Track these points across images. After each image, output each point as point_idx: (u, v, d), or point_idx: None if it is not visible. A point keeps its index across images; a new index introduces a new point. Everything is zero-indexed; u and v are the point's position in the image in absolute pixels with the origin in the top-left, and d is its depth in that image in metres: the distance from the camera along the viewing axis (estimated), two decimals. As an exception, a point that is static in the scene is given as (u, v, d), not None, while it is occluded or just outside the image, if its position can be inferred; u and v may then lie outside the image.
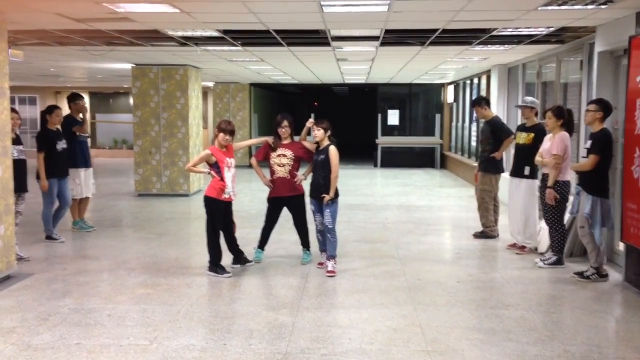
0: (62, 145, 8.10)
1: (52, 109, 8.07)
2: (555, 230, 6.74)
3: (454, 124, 18.43)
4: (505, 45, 9.20)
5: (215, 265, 6.39)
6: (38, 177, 7.90)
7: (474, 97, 12.61)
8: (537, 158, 6.83)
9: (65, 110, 8.57)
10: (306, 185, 6.79)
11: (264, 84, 20.35)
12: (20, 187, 6.77)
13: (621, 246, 6.37)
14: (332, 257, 6.53)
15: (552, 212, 6.70)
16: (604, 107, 6.12)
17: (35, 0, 5.74)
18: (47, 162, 7.84)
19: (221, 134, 6.30)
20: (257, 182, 13.68)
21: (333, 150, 6.48)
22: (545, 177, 6.78)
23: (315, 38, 8.46)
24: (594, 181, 6.09)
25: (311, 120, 6.73)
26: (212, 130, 21.46)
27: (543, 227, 7.27)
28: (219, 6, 6.23)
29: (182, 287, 5.96)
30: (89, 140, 8.89)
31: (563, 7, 6.08)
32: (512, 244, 7.69)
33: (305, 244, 6.99)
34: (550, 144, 6.68)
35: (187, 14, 6.47)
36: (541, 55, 9.90)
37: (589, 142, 6.20)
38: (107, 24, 7.15)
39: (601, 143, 6.05)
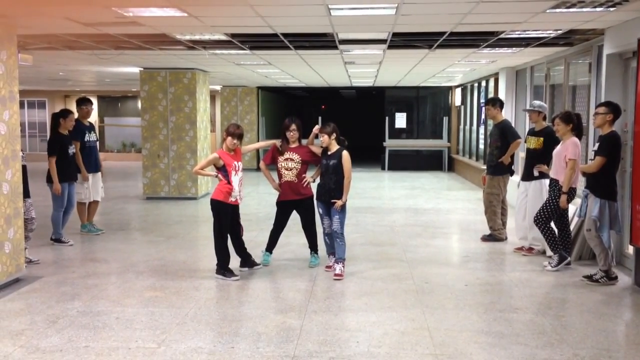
0: (72, 149, 8.16)
1: (66, 114, 8.12)
2: (542, 231, 6.72)
3: (461, 126, 18.39)
4: (513, 48, 9.18)
5: (223, 268, 6.40)
6: (48, 180, 7.94)
7: (486, 99, 12.56)
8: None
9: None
10: (314, 188, 6.80)
11: (272, 88, 20.38)
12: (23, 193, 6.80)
13: (630, 249, 6.33)
14: (341, 260, 6.52)
15: (544, 212, 6.67)
16: (613, 110, 6.10)
17: (44, 4, 5.78)
18: (59, 166, 7.89)
19: (229, 138, 6.32)
20: (264, 186, 13.71)
21: (346, 156, 6.48)
22: (553, 182, 6.75)
23: (323, 41, 8.47)
24: (602, 184, 6.06)
25: (317, 126, 6.74)
26: (219, 133, 21.52)
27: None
28: (227, 10, 6.25)
29: (190, 290, 5.97)
30: (97, 144, 8.94)
31: (571, 10, 6.06)
32: (519, 247, 7.67)
33: (313, 247, 6.99)
34: (562, 149, 6.64)
35: (195, 17, 6.49)
36: (549, 57, 9.87)
37: (597, 145, 6.18)
38: (115, 28, 7.19)
39: (609, 145, 6.03)
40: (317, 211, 6.77)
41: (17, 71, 6.32)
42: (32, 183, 7.08)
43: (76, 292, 5.94)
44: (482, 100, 14.77)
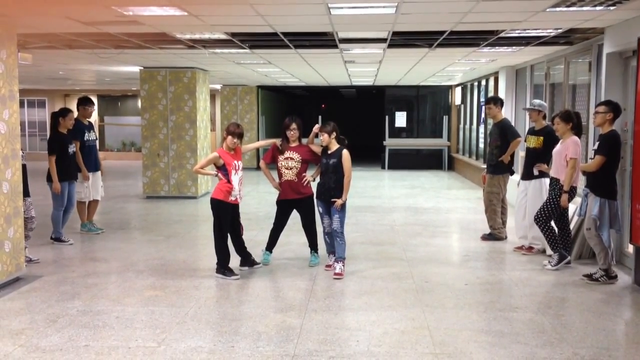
0: (72, 148, 8.16)
1: (65, 112, 8.11)
2: (542, 229, 6.73)
3: (461, 126, 18.40)
4: (513, 47, 9.18)
5: (223, 268, 6.40)
6: (48, 179, 7.94)
7: (486, 97, 12.59)
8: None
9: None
10: (313, 187, 6.80)
11: (272, 87, 20.37)
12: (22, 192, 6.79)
13: (630, 248, 6.33)
14: (341, 259, 6.52)
15: (544, 211, 6.67)
16: (613, 108, 6.09)
17: (45, 4, 5.78)
18: (59, 165, 7.89)
19: (229, 137, 6.32)
20: (264, 185, 13.71)
21: (346, 155, 6.48)
22: (553, 181, 6.75)
23: (322, 40, 8.47)
24: (602, 183, 6.06)
25: (318, 125, 6.75)
26: (219, 132, 21.51)
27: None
28: (227, 9, 6.25)
29: (190, 290, 5.97)
30: (97, 142, 8.93)
31: (571, 9, 6.06)
32: (519, 246, 7.67)
33: (313, 246, 6.99)
34: (562, 148, 6.64)
35: (195, 16, 6.49)
36: (549, 56, 9.87)
37: (597, 144, 6.18)
38: (115, 27, 7.19)
39: (609, 144, 6.03)
40: (317, 210, 6.77)
41: (17, 70, 6.32)
42: (32, 182, 7.08)
43: (76, 291, 5.94)
44: (482, 99, 14.78)
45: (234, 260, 6.61)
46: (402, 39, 8.38)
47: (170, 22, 6.94)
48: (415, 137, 20.78)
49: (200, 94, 12.95)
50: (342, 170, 6.46)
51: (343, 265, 6.51)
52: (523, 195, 7.59)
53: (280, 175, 6.77)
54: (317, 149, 6.73)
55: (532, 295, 5.83)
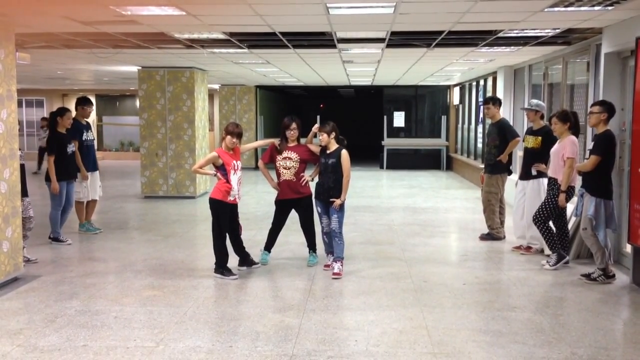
0: (71, 148, 8.15)
1: (63, 112, 8.10)
2: (541, 229, 6.74)
3: (459, 125, 18.41)
4: (512, 47, 9.18)
5: (221, 267, 6.40)
6: (47, 179, 7.94)
7: (484, 97, 12.61)
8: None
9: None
10: (312, 187, 6.80)
11: (270, 86, 20.37)
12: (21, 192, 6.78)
13: (628, 248, 6.34)
14: (339, 259, 6.52)
15: (543, 211, 6.69)
16: (607, 108, 6.11)
17: (43, 3, 5.77)
18: (58, 165, 7.88)
19: (228, 137, 6.32)
20: (263, 184, 13.71)
21: (345, 155, 6.48)
22: (551, 181, 6.76)
23: (321, 40, 8.47)
24: (597, 183, 6.07)
25: (317, 125, 6.75)
26: (218, 132, 21.51)
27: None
28: (225, 9, 6.25)
29: (189, 289, 5.97)
30: (95, 142, 8.92)
31: (569, 9, 6.07)
32: (517, 246, 7.68)
33: (312, 245, 6.99)
34: (559, 147, 6.65)
35: (193, 16, 6.49)
36: (547, 56, 9.88)
37: (592, 144, 6.19)
38: (114, 26, 7.19)
39: (604, 144, 6.04)
40: (316, 210, 6.77)
41: (15, 70, 6.31)
42: (31, 182, 7.07)
43: (74, 291, 5.93)
44: (481, 99, 14.78)
45: (233, 260, 6.61)
46: (401, 39, 8.38)
47: (169, 22, 6.94)
48: (413, 137, 20.81)
49: (199, 94, 12.95)
50: (341, 170, 6.46)
51: (341, 265, 6.51)
52: (521, 195, 7.60)
53: (278, 175, 6.77)
54: (315, 149, 6.73)
55: (530, 294, 5.84)
